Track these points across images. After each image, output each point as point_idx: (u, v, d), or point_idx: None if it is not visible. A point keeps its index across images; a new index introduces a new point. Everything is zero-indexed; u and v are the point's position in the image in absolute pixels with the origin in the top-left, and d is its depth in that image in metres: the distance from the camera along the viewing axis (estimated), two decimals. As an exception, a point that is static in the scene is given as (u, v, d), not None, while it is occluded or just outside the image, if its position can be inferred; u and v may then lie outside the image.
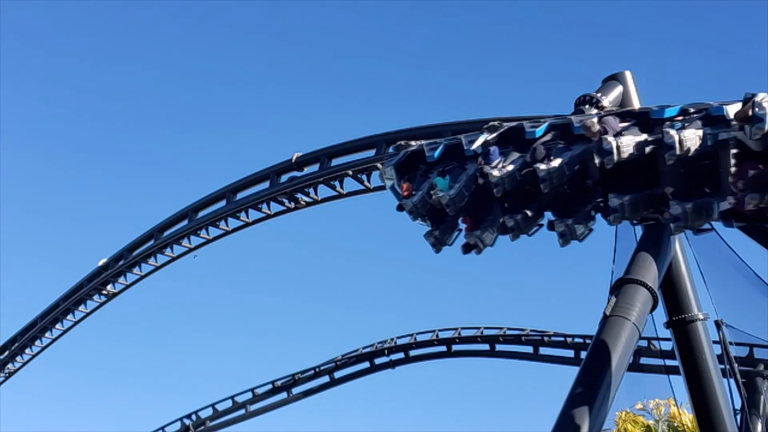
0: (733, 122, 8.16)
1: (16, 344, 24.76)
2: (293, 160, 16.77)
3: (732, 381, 13.67)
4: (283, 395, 25.15)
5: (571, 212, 9.33)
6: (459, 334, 23.19)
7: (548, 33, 68.71)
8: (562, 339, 21.52)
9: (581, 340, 20.78)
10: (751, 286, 13.72)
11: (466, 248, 9.90)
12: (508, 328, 22.47)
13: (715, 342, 12.17)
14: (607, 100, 10.89)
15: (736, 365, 14.19)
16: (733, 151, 8.21)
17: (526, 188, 9.27)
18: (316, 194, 16.96)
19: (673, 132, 8.26)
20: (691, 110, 8.69)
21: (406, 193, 9.93)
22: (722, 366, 12.18)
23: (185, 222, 19.58)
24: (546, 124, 9.41)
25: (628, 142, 8.64)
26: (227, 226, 19.01)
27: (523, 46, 70.18)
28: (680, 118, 8.66)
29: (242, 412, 25.47)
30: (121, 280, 21.87)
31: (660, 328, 12.25)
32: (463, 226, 9.98)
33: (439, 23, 70.41)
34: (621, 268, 10.53)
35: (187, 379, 58.49)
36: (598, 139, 8.79)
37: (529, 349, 22.03)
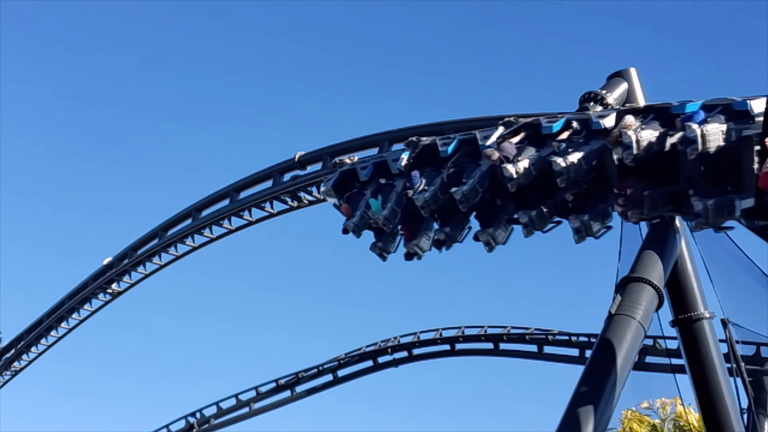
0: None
1: (22, 342, 24.86)
2: (296, 159, 16.76)
3: (739, 380, 13.59)
4: (287, 393, 25.13)
5: (491, 222, 10.07)
6: (463, 332, 23.08)
7: (553, 32, 68.61)
8: (566, 338, 21.40)
9: (586, 339, 20.64)
10: (757, 284, 13.61)
11: (408, 256, 10.64)
12: (512, 327, 22.35)
13: (721, 341, 12.09)
14: (612, 97, 10.86)
15: (742, 364, 14.12)
16: (616, 157, 8.94)
17: (450, 204, 9.96)
18: (318, 193, 16.95)
19: (560, 160, 8.94)
20: (574, 124, 9.44)
21: (346, 216, 10.68)
22: (729, 365, 12.11)
23: (189, 221, 19.61)
24: (455, 141, 10.13)
25: (524, 166, 9.24)
26: (230, 224, 19.04)
27: (528, 46, 70.09)
28: (566, 134, 9.39)
29: (246, 410, 25.46)
30: (126, 278, 21.93)
31: (666, 327, 12.15)
32: (402, 233, 10.69)
33: (444, 23, 70.35)
34: (626, 266, 10.47)
35: (192, 378, 58.57)
36: (499, 167, 9.42)
37: (534, 348, 21.90)
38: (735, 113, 8.45)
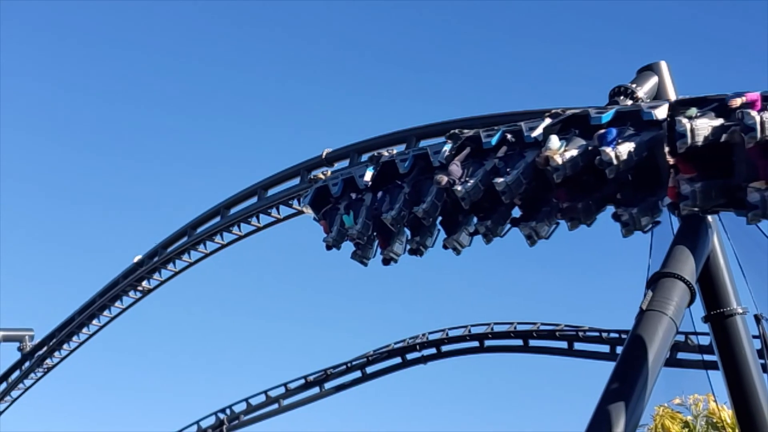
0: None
1: (55, 339, 25.20)
2: (323, 156, 16.73)
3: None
4: (316, 390, 25.19)
5: (454, 230, 10.71)
6: (492, 329, 22.90)
7: (574, 33, 68.10)
8: (597, 334, 21.17)
9: (617, 335, 20.42)
10: (792, 279, 13.37)
11: (385, 261, 11.32)
12: (542, 323, 22.14)
13: (754, 337, 11.89)
14: (642, 91, 10.77)
15: (776, 361, 13.89)
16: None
17: (415, 217, 10.60)
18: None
19: (500, 180, 9.60)
20: (509, 137, 10.01)
21: (325, 231, 11.47)
22: (762, 361, 11.92)
23: (218, 219, 19.69)
24: (410, 157, 10.89)
25: (474, 185, 9.89)
26: (259, 222, 19.08)
27: (550, 45, 69.57)
28: (503, 150, 9.94)
29: (275, 406, 25.58)
30: (156, 276, 22.07)
31: (698, 323, 12.02)
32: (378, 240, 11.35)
33: (473, 22, 70.10)
34: (657, 261, 10.38)
35: (221, 374, 59.09)
36: (450, 190, 10.05)
37: (564, 345, 21.68)
38: (644, 123, 9.04)
